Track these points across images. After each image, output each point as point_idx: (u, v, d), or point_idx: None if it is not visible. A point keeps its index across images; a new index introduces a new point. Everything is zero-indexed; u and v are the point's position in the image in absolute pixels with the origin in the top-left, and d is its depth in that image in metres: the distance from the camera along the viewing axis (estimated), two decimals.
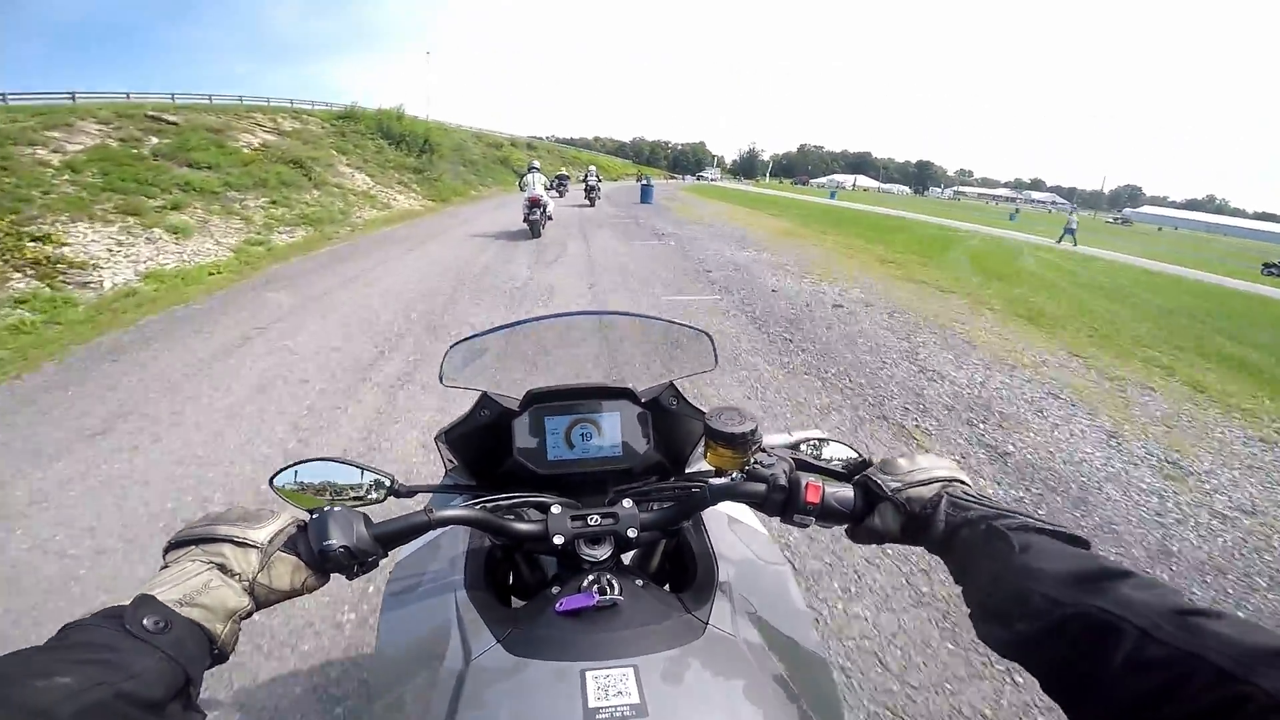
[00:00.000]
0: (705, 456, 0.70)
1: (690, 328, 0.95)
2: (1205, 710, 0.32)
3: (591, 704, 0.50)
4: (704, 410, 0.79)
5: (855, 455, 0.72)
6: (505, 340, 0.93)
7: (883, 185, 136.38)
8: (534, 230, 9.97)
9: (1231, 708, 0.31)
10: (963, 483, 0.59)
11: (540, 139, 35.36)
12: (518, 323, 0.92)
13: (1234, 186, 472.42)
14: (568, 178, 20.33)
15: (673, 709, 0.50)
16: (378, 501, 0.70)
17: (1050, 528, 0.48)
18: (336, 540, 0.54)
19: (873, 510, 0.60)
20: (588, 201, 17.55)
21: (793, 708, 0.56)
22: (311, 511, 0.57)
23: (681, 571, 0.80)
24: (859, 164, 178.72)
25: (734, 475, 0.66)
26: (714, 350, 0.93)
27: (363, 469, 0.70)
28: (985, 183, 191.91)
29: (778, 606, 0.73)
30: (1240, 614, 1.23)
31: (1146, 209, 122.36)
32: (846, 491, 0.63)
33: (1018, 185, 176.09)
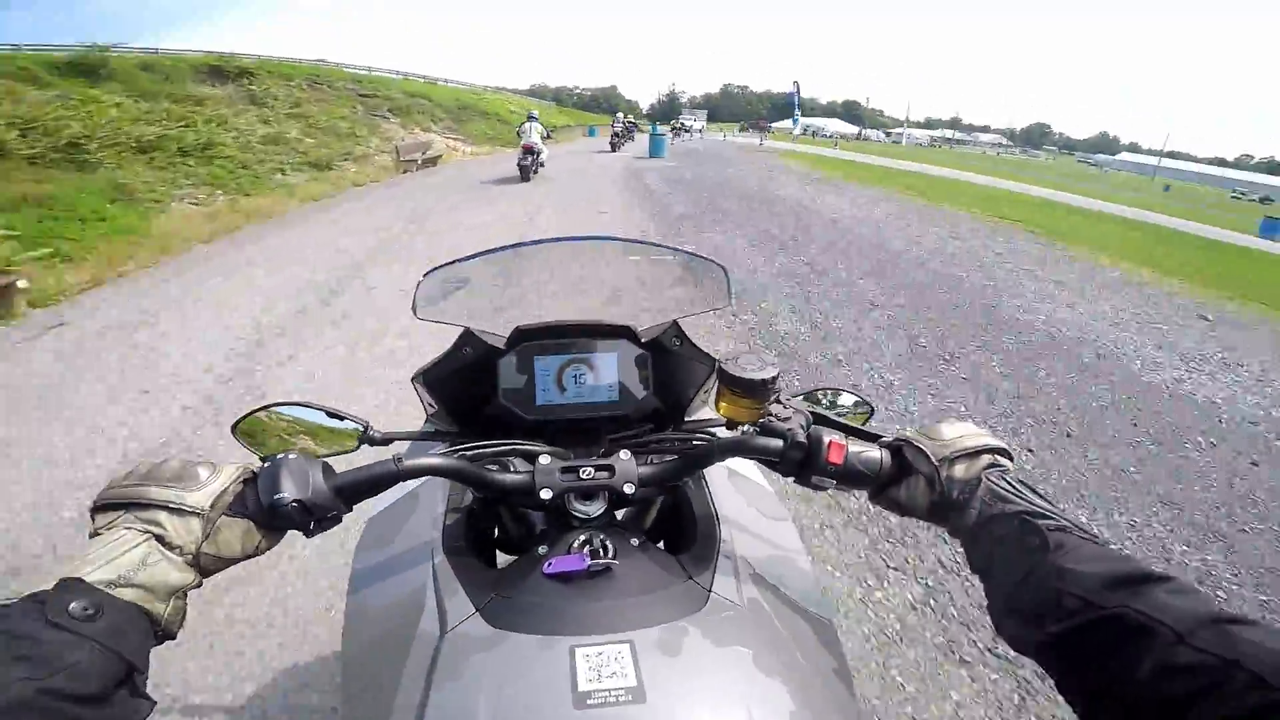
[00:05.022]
0: (717, 406, 0.66)
1: (701, 258, 0.86)
2: (1237, 717, 0.31)
3: (583, 686, 0.45)
4: (712, 355, 0.75)
5: (870, 404, 0.71)
6: (489, 269, 0.83)
7: (866, 132, 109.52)
8: (524, 174, 10.76)
9: (1265, 714, 0.30)
10: (1005, 460, 0.56)
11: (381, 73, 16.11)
12: (503, 248, 0.81)
13: (1123, 124, 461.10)
14: (634, 125, 20.23)
15: (673, 691, 0.46)
16: (349, 451, 0.65)
17: (1089, 535, 0.46)
18: (289, 493, 0.48)
19: (902, 480, 0.57)
20: (609, 148, 18.25)
21: (801, 681, 0.52)
22: (264, 460, 0.51)
23: (678, 530, 0.75)
24: (786, 105, 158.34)
25: (745, 428, 0.62)
26: (728, 285, 0.84)
27: (333, 414, 0.65)
28: (897, 123, 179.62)
29: (783, 570, 0.68)
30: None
31: (1125, 156, 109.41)
32: (872, 452, 0.58)
33: (955, 124, 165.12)
